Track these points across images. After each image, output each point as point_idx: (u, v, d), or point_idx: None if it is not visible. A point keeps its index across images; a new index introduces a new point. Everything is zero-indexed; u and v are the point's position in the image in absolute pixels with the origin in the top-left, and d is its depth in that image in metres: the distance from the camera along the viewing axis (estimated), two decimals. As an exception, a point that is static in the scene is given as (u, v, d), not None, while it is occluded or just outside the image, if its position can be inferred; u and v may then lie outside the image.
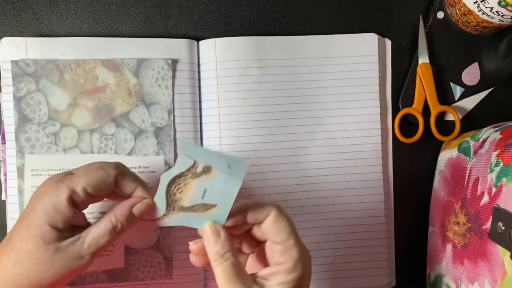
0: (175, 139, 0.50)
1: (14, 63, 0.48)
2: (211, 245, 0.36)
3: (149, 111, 0.49)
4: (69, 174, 0.39)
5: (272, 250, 0.36)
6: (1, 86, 0.50)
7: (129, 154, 0.49)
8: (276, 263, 0.35)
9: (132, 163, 0.49)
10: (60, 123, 0.49)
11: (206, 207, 0.40)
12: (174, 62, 0.50)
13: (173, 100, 0.50)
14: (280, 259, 0.35)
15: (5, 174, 0.49)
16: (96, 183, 0.38)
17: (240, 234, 0.39)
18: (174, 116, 0.50)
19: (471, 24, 0.51)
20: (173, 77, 0.50)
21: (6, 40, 0.49)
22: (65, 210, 0.37)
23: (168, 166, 0.49)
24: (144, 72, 0.49)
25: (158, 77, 0.49)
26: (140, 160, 0.49)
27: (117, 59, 0.49)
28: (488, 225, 0.42)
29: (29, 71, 0.48)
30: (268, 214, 0.36)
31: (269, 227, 0.36)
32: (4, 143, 0.49)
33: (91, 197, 0.38)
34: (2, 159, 0.50)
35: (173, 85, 0.50)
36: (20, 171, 0.48)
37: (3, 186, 0.50)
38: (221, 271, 0.35)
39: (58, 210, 0.37)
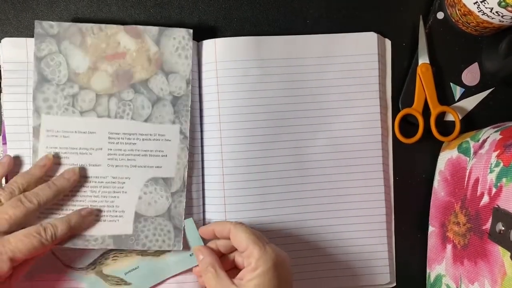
0: (192, 109, 0.50)
1: (38, 23, 0.48)
2: (198, 264, 0.47)
3: (168, 80, 0.50)
4: (6, 243, 0.42)
5: (242, 258, 0.45)
6: (1, 86, 0.50)
7: (146, 121, 0.49)
8: (245, 265, 0.43)
9: (148, 130, 0.49)
10: (79, 86, 0.49)
11: (120, 282, 0.49)
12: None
13: (192, 70, 0.50)
14: (246, 262, 0.43)
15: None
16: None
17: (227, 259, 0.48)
18: (192, 85, 0.50)
19: (471, 24, 0.51)
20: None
21: (6, 40, 0.49)
22: (5, 275, 0.42)
23: (184, 135, 0.49)
24: (165, 41, 0.50)
25: (178, 46, 0.50)
26: (156, 128, 0.49)
27: (139, 26, 0.49)
28: (488, 225, 0.42)
29: (52, 32, 0.48)
30: (228, 230, 0.45)
31: (232, 241, 0.45)
32: (5, 143, 0.49)
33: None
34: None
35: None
36: (36, 131, 0.48)
37: (4, 185, 0.50)
38: (205, 279, 0.44)
39: None
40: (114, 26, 0.49)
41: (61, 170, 0.48)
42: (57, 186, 0.47)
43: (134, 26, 0.49)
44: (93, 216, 0.48)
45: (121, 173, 0.49)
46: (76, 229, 0.47)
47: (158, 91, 0.49)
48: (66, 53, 0.49)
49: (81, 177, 0.48)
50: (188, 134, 0.50)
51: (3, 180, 0.49)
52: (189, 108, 0.50)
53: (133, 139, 0.49)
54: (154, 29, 0.49)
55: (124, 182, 0.49)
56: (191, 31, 0.50)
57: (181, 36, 0.50)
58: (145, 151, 0.49)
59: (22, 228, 0.44)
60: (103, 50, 0.49)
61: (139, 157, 0.49)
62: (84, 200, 0.49)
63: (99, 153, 0.49)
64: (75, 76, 0.49)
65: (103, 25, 0.49)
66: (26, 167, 0.49)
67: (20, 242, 0.42)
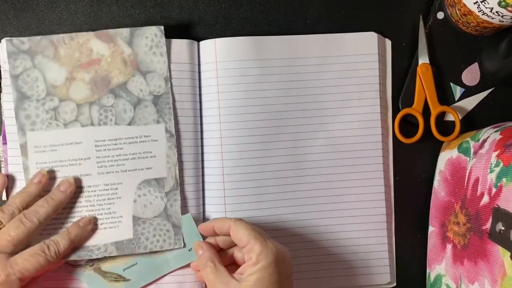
0: (174, 106, 0.50)
1: (8, 41, 0.48)
2: (197, 259, 0.47)
3: (146, 80, 0.49)
4: (14, 265, 0.43)
5: (243, 254, 0.45)
6: (1, 86, 0.50)
7: (129, 124, 0.49)
8: (246, 260, 0.43)
9: (133, 133, 0.49)
10: (59, 98, 0.49)
11: (118, 278, 0.49)
12: (175, 63, 0.51)
13: (169, 67, 0.50)
14: (247, 257, 0.43)
15: (6, 174, 0.50)
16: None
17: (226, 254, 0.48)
18: (171, 83, 0.50)
19: (471, 24, 0.51)
20: (174, 78, 0.50)
21: (5, 41, 0.49)
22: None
23: (170, 133, 0.49)
24: (138, 41, 0.49)
25: (152, 45, 0.49)
26: (141, 130, 0.49)
27: (110, 30, 0.49)
28: (488, 225, 0.42)
29: (23, 48, 0.48)
30: (228, 226, 0.45)
31: (232, 237, 0.45)
32: (5, 143, 0.49)
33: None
34: (3, 159, 0.51)
35: (171, 84, 0.50)
36: (23, 148, 0.48)
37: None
38: (204, 274, 0.45)
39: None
40: (85, 33, 0.49)
41: (54, 183, 0.48)
42: (55, 200, 0.47)
43: (104, 30, 0.49)
44: (92, 224, 0.48)
45: (113, 179, 0.49)
46: (78, 241, 0.48)
47: (138, 93, 0.49)
48: (41, 67, 0.48)
49: (75, 188, 0.49)
50: (174, 132, 0.50)
51: (4, 193, 0.50)
52: (172, 106, 0.49)
53: (119, 144, 0.49)
54: (125, 31, 0.49)
55: (117, 188, 0.49)
56: (162, 27, 0.49)
57: (153, 34, 0.49)
58: (133, 154, 0.49)
59: (26, 246, 0.45)
60: (77, 59, 0.49)
61: (127, 161, 0.49)
62: (81, 211, 0.49)
63: (88, 162, 0.49)
64: (54, 89, 0.49)
65: (73, 34, 0.49)
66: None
67: (27, 262, 0.43)
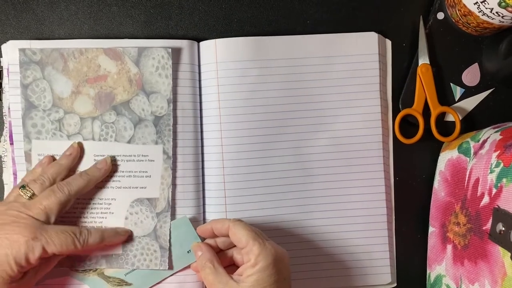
0: (174, 128, 0.50)
1: (21, 51, 0.49)
2: (196, 260, 0.47)
3: (149, 100, 0.50)
4: (44, 232, 0.44)
5: (242, 255, 0.45)
6: (2, 87, 0.50)
7: (129, 142, 0.50)
8: (244, 262, 0.44)
9: (131, 151, 0.50)
10: (64, 110, 0.50)
11: (121, 283, 0.49)
12: (175, 63, 0.51)
13: (172, 90, 0.50)
14: (246, 258, 0.43)
15: (14, 174, 0.50)
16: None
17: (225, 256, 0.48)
18: (173, 105, 0.50)
19: (471, 25, 0.51)
20: (174, 78, 0.51)
21: (11, 42, 0.50)
22: (33, 262, 0.43)
23: (167, 155, 0.50)
24: (145, 61, 0.50)
25: (158, 66, 0.50)
26: (139, 149, 0.50)
27: (118, 48, 0.50)
28: (488, 225, 0.42)
29: (35, 59, 0.49)
30: (227, 227, 0.45)
31: (231, 238, 0.45)
32: (12, 143, 0.50)
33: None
34: (5, 159, 0.51)
35: (173, 86, 0.50)
36: (28, 155, 0.49)
37: (12, 184, 0.50)
38: (203, 275, 0.45)
39: (28, 261, 0.43)
40: (94, 49, 0.49)
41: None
42: (89, 176, 0.48)
43: (113, 48, 0.50)
44: (126, 236, 0.49)
45: (108, 194, 0.50)
46: (107, 243, 0.48)
47: (140, 112, 0.50)
48: (50, 78, 0.49)
49: (111, 168, 0.49)
50: (171, 154, 0.50)
51: (12, 177, 0.50)
52: (171, 128, 0.50)
53: (117, 161, 0.50)
54: (133, 50, 0.50)
55: (110, 203, 0.50)
56: (170, 50, 0.50)
57: (160, 55, 0.50)
58: (129, 172, 0.50)
59: (60, 218, 0.46)
60: (85, 74, 0.50)
61: (123, 178, 0.50)
62: (75, 222, 0.49)
63: None
64: (60, 101, 0.49)
65: (83, 49, 0.49)
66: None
67: (56, 235, 0.44)
